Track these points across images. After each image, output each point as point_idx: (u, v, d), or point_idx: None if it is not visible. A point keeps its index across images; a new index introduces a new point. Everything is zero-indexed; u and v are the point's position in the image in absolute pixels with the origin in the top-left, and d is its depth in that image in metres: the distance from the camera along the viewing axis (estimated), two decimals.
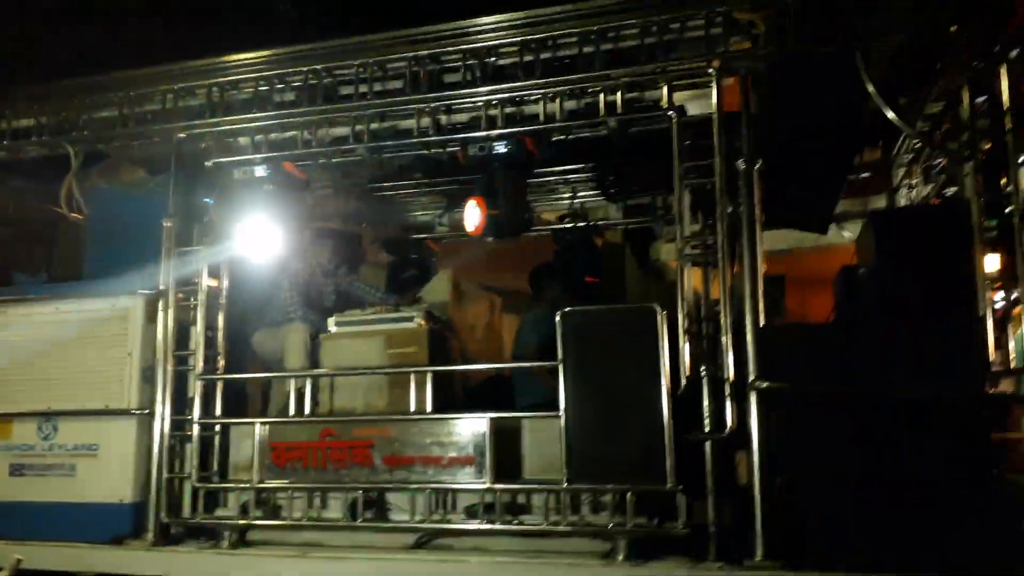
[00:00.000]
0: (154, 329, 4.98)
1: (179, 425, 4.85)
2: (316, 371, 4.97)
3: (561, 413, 4.13)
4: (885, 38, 4.17)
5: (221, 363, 5.00)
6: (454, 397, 5.05)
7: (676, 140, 4.30)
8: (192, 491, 4.77)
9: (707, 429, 3.98)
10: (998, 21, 3.94)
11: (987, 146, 4.01)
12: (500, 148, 4.57)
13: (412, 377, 4.53)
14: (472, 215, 4.69)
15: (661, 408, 3.99)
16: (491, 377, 5.58)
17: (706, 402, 4.00)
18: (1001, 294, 4.03)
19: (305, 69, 4.95)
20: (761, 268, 4.13)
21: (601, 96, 4.47)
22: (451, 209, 6.40)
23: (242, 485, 4.69)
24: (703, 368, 4.07)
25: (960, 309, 3.86)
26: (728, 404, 3.98)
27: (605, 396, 4.11)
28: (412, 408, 4.48)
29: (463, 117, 4.83)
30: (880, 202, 5.94)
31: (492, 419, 4.32)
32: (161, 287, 4.96)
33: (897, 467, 3.66)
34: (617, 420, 4.06)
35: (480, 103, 4.66)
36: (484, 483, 4.26)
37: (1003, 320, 3.94)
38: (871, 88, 4.09)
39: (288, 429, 4.72)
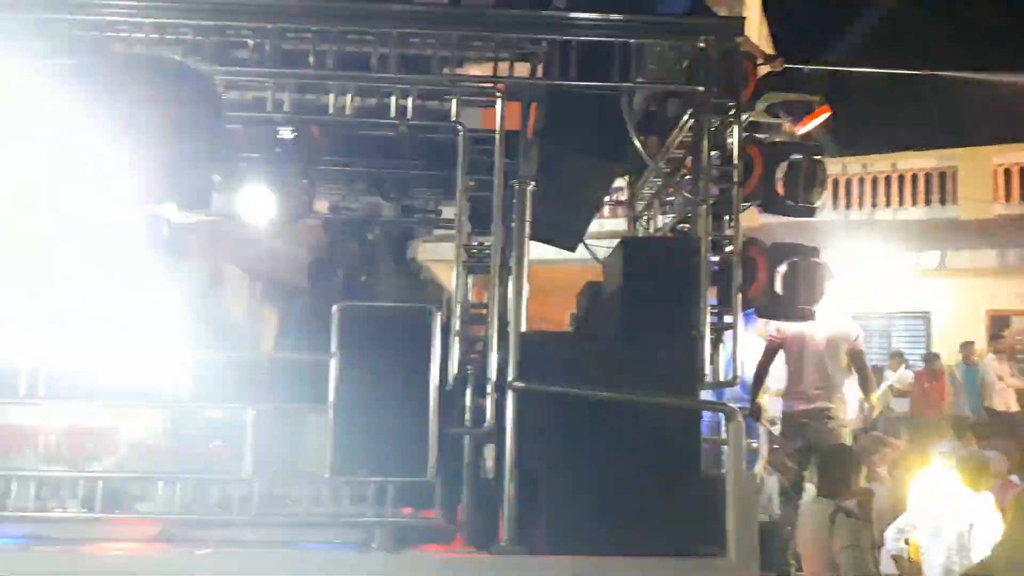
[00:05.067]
0: None
1: None
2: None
3: (330, 405, 4.20)
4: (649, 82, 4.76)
5: None
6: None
7: (462, 153, 4.55)
8: None
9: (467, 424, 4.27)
10: (734, 90, 4.67)
11: (717, 192, 4.73)
12: (286, 134, 4.52)
13: None
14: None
15: (428, 404, 4.21)
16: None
17: (468, 399, 4.30)
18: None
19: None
20: (526, 279, 4.51)
21: (393, 99, 4.59)
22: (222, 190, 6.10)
23: None
24: (467, 367, 4.37)
25: (684, 330, 4.52)
26: (488, 401, 4.30)
27: (374, 390, 4.24)
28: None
29: (247, 96, 4.71)
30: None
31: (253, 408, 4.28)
32: None
33: (625, 463, 4.21)
34: (384, 414, 4.21)
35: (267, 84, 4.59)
36: (242, 473, 4.20)
37: (716, 342, 4.66)
38: (630, 126, 4.66)
39: (11, 408, 4.28)
